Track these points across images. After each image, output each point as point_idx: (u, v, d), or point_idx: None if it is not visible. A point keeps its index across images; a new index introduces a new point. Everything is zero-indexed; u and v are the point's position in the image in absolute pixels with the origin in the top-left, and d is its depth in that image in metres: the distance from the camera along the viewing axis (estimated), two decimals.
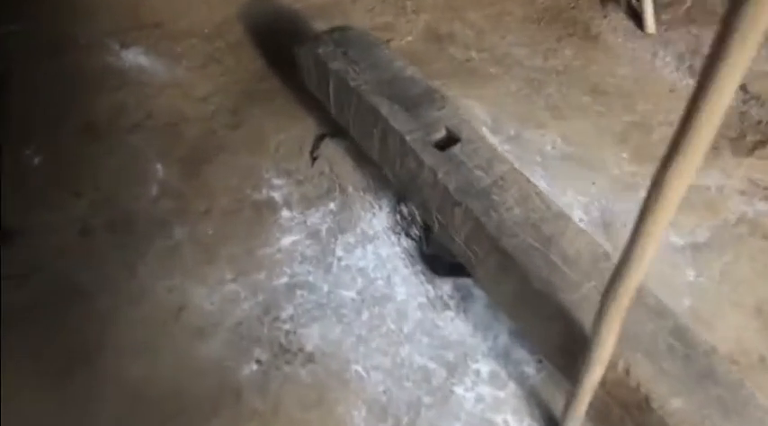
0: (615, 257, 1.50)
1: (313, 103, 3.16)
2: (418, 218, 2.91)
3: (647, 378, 1.83)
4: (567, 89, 3.45)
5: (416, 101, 2.49)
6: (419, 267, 2.72)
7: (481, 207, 2.17)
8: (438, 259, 2.86)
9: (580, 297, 1.98)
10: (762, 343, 2.51)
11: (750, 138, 3.24)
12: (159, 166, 3.01)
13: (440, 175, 2.25)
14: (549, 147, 3.16)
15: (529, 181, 2.24)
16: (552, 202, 2.19)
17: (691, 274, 2.73)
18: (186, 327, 2.52)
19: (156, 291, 2.61)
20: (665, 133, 3.26)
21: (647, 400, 1.81)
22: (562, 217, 2.16)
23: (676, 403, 1.79)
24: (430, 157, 2.30)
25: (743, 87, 3.49)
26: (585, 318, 1.94)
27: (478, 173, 2.24)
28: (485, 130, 3.12)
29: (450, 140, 2.38)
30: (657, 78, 3.57)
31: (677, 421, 1.77)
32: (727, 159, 3.15)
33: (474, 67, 3.56)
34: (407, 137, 2.35)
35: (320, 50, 2.75)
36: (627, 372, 1.85)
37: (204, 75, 3.43)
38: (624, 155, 3.15)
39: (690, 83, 3.54)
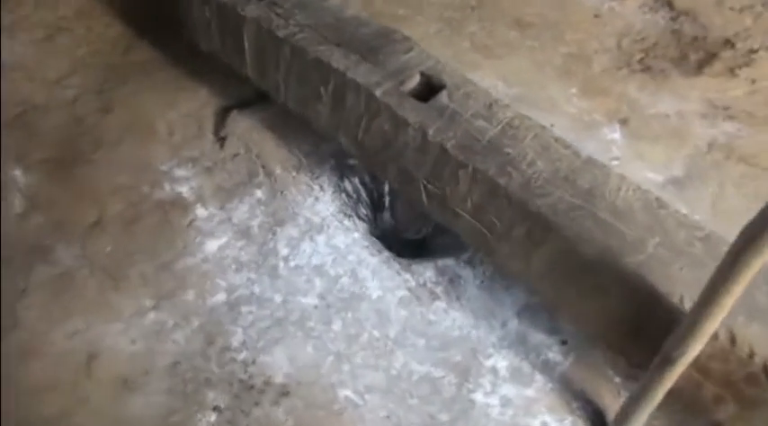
0: None
1: (206, 70, 2.63)
2: (364, 195, 2.46)
3: (762, 343, 1.49)
4: (490, 25, 3.10)
5: (373, 45, 2.01)
6: (387, 254, 2.26)
7: (495, 165, 1.74)
8: (394, 238, 2.44)
9: (647, 258, 1.62)
10: None
11: (694, 57, 3.04)
12: (18, 173, 2.35)
13: (431, 133, 1.80)
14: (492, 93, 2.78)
15: (543, 126, 1.84)
16: (577, 148, 1.81)
17: (682, 212, 2.45)
18: (104, 381, 1.95)
19: (51, 340, 2.00)
20: (605, 62, 3.02)
21: (765, 369, 1.48)
22: (595, 163, 1.79)
23: None
24: (412, 112, 1.83)
25: (669, 3, 3.29)
26: (660, 283, 1.59)
27: (480, 123, 1.81)
28: None
29: (430, 88, 1.93)
30: (578, 5, 3.30)
31: None
32: (677, 81, 2.94)
33: (379, 11, 3.10)
34: (376, 91, 1.87)
35: None
36: (732, 341, 1.51)
37: (51, 50, 2.74)
38: (573, 90, 2.87)
39: (613, 5, 3.29)
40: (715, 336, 1.51)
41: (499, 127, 1.81)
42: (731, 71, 2.98)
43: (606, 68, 2.99)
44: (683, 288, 1.58)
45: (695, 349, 1.48)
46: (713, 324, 1.40)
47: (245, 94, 2.54)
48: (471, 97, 1.87)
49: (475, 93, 1.88)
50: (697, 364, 1.57)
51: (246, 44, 2.17)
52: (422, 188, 1.91)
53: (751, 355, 1.50)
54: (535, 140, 1.79)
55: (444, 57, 2.74)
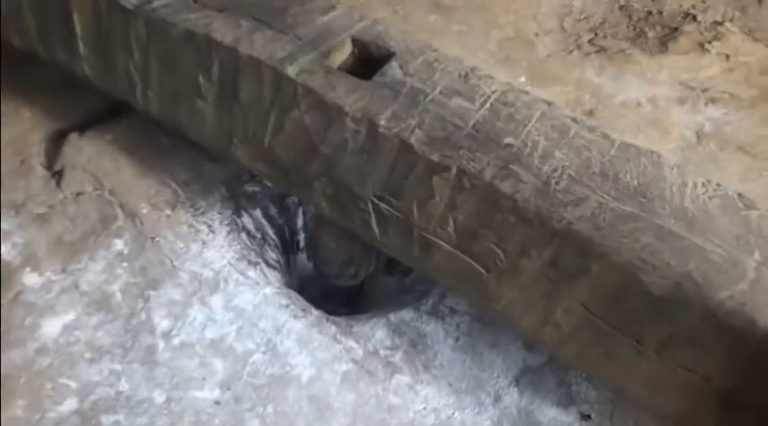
0: None
1: (28, 83, 2.03)
2: (271, 233, 1.84)
3: None
4: (402, 9, 2.63)
5: (276, 6, 1.43)
6: (316, 312, 1.64)
7: (491, 162, 1.16)
8: (318, 288, 1.86)
9: (749, 287, 1.07)
10: None
11: (652, 34, 2.64)
12: None
13: (382, 123, 1.20)
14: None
15: (548, 101, 1.30)
16: (603, 128, 1.28)
17: None
18: None
19: None
20: (551, 46, 2.58)
21: None
22: (637, 148, 1.25)
23: None
24: (350, 95, 1.23)
25: None
26: None
27: (457, 102, 1.24)
28: None
29: (370, 60, 1.33)
30: None
31: None
32: (641, 62, 2.53)
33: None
34: (288, 69, 1.26)
35: None
36: None
37: None
38: (521, 79, 2.42)
39: None
40: None
41: (486, 105, 1.24)
42: (701, 46, 2.59)
43: (553, 52, 2.55)
44: None
45: None
46: None
47: (87, 109, 1.92)
48: (436, 67, 1.30)
49: (440, 61, 1.31)
50: None
51: (78, 26, 1.51)
52: (370, 210, 1.31)
53: None
54: (544, 121, 1.24)
55: None
